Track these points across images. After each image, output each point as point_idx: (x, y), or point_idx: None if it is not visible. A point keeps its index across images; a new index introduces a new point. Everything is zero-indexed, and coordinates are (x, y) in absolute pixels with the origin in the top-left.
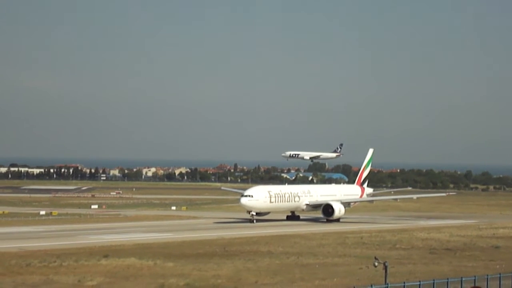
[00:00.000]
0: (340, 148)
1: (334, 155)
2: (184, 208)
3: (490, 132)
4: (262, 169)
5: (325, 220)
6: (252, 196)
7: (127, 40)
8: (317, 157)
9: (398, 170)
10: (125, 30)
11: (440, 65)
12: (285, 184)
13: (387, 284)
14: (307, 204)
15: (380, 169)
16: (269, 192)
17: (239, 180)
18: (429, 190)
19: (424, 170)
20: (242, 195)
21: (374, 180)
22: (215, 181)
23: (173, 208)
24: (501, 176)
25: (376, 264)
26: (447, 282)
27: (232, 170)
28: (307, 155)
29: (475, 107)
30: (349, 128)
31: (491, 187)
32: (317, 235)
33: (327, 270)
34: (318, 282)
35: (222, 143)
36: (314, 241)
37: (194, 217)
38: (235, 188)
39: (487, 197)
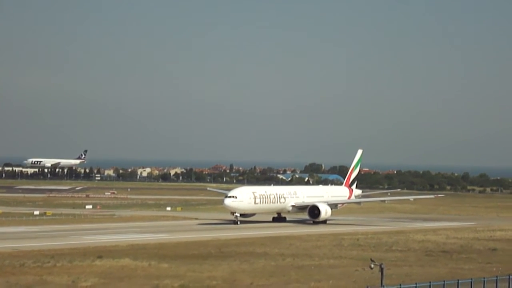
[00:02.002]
0: (84, 154)
1: (77, 161)
2: (179, 208)
3: (487, 134)
4: (258, 170)
5: (311, 222)
6: (236, 197)
7: (124, 40)
8: (58, 164)
9: (395, 172)
10: (121, 30)
11: (437, 66)
12: (272, 185)
13: (383, 286)
14: (293, 206)
15: (377, 171)
16: (253, 193)
17: (234, 181)
18: (425, 191)
19: (421, 172)
20: (226, 196)
21: (371, 181)
22: (210, 182)
23: (168, 208)
24: (498, 178)
25: (372, 266)
26: (444, 284)
27: (228, 171)
28: (48, 162)
29: (473, 109)
30: (346, 129)
31: (488, 189)
32: (312, 237)
33: (322, 271)
34: (313, 283)
35: (218, 144)
36: (310, 242)
37: (186, 218)
38: (223, 189)
39: (484, 199)
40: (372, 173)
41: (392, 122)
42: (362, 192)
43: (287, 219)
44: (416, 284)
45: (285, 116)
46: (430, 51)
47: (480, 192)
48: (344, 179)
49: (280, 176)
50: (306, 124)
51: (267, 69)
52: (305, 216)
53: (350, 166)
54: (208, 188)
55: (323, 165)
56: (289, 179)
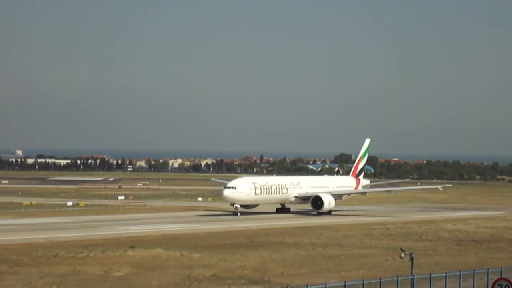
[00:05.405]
0: None
1: None
2: (210, 199)
3: None
4: (288, 160)
5: (315, 213)
6: (235, 188)
7: (153, 31)
8: None
9: (425, 162)
10: (137, 23)
11: (464, 56)
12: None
13: (413, 275)
14: (296, 196)
15: (407, 161)
16: (254, 183)
17: (264, 171)
18: (455, 181)
19: (451, 162)
20: (225, 187)
21: (400, 171)
22: (241, 172)
23: (199, 199)
24: None
25: (402, 255)
26: (474, 273)
27: (258, 161)
28: None
29: (501, 97)
30: (376, 119)
31: None
32: (343, 226)
33: (353, 261)
34: (344, 273)
35: (248, 134)
36: (340, 232)
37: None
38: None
39: None
40: (402, 163)
41: (422, 113)
42: (388, 181)
43: (292, 210)
44: (446, 273)
45: (315, 107)
46: (454, 40)
47: (510, 181)
48: (374, 168)
49: (310, 167)
50: (336, 114)
51: (293, 60)
52: (308, 207)
53: (358, 155)
54: (212, 179)
55: (352, 155)
56: (319, 169)
